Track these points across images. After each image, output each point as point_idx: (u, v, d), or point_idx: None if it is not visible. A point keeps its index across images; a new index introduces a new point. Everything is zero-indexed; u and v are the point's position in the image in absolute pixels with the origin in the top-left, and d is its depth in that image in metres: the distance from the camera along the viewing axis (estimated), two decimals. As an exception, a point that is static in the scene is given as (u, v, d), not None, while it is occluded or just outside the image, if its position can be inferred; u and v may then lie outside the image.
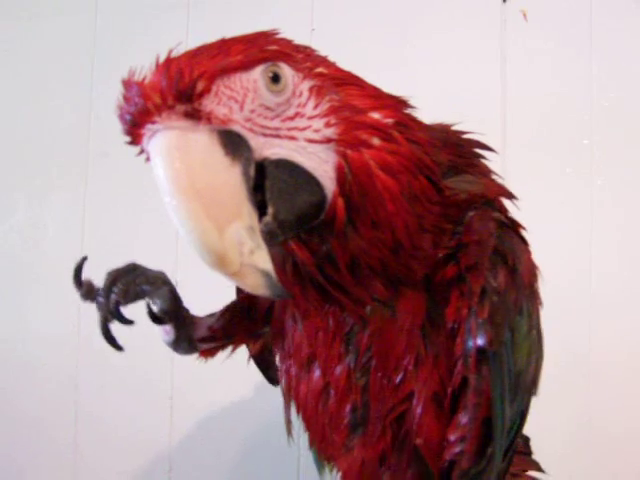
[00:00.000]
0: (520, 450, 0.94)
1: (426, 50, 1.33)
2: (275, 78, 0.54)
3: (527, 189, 1.23)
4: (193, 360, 0.86)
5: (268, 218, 0.53)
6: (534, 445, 1.02)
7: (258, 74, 0.54)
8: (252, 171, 0.53)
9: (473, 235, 0.62)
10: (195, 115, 0.52)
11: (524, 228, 0.70)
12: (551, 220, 1.27)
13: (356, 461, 0.72)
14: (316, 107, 0.55)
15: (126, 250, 1.35)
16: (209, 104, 0.52)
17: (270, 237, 0.53)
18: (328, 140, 0.55)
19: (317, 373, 0.70)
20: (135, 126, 0.53)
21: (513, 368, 0.64)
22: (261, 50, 0.55)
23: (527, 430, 1.11)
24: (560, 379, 1.21)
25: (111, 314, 0.70)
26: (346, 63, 1.26)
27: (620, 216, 1.26)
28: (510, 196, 0.70)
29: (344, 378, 0.68)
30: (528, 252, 0.68)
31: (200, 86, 0.52)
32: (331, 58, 1.21)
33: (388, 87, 1.29)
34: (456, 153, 0.65)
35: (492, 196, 0.66)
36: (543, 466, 0.98)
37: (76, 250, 1.41)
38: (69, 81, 1.46)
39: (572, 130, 1.28)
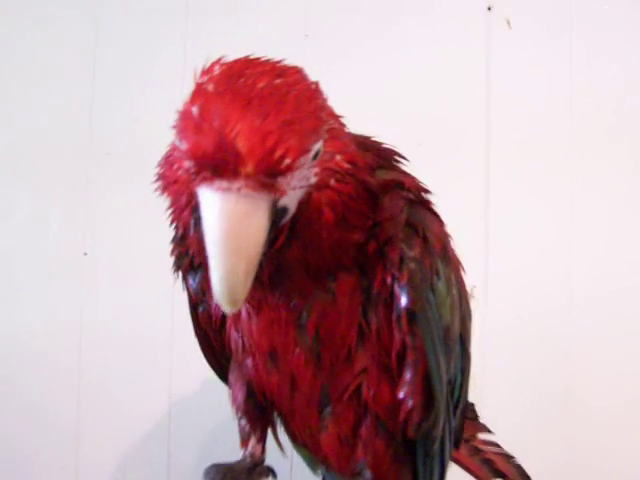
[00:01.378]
0: (467, 416, 1.01)
1: (413, 56, 1.38)
2: (317, 154, 0.59)
3: (511, 189, 1.33)
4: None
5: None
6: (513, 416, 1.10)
7: (313, 151, 0.58)
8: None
9: (386, 213, 0.68)
10: (268, 187, 0.55)
11: (433, 204, 0.77)
12: (532, 219, 1.32)
13: (332, 438, 0.79)
14: (314, 159, 0.59)
15: (127, 247, 1.41)
16: (284, 182, 0.56)
17: None
18: (310, 186, 0.60)
19: (280, 363, 0.76)
20: (208, 169, 0.54)
21: (440, 323, 0.72)
22: (321, 123, 0.59)
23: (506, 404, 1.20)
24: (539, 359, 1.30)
25: None
26: (338, 68, 1.33)
27: (599, 216, 1.31)
28: (423, 187, 0.76)
29: (302, 363, 0.75)
30: (438, 223, 0.75)
31: (286, 164, 0.54)
32: (323, 63, 1.27)
33: (376, 92, 1.36)
34: (378, 156, 0.72)
35: (402, 180, 0.73)
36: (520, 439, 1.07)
37: (78, 246, 1.45)
38: (71, 79, 1.48)
39: (553, 132, 1.33)
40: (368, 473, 0.78)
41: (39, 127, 1.49)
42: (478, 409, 1.09)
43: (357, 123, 1.28)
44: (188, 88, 0.59)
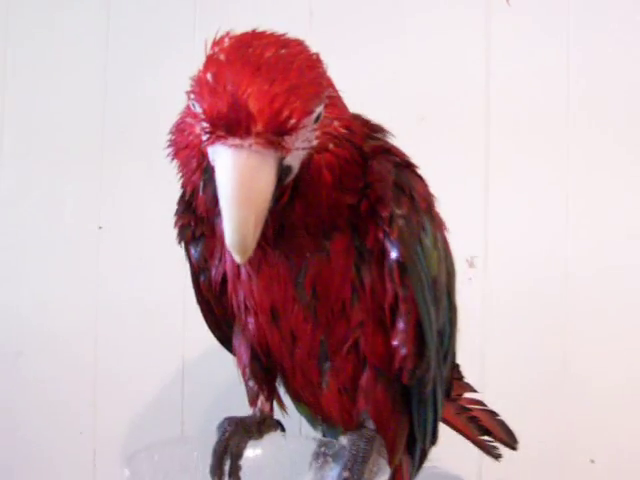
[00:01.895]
0: (454, 376, 1.08)
1: (416, 35, 1.42)
2: (318, 117, 0.65)
3: (509, 163, 1.37)
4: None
5: None
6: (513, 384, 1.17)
7: (315, 113, 0.64)
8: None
9: (375, 175, 0.74)
10: (275, 145, 0.61)
11: (418, 167, 0.83)
12: (530, 192, 1.36)
13: (333, 392, 0.85)
14: (315, 122, 0.66)
15: (141, 221, 1.47)
16: (290, 140, 0.62)
17: None
18: (312, 148, 0.66)
19: (281, 320, 0.82)
20: (222, 129, 0.61)
21: (429, 275, 0.78)
22: (321, 86, 0.66)
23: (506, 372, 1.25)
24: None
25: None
26: (343, 44, 1.37)
27: (595, 187, 1.35)
28: (406, 155, 0.82)
29: (301, 319, 0.81)
30: (423, 184, 0.81)
31: (291, 124, 0.61)
32: (328, 42, 1.31)
33: (380, 70, 1.39)
34: (367, 127, 0.79)
35: (389, 147, 0.80)
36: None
37: (93, 223, 1.52)
38: (85, 59, 1.54)
39: (551, 108, 1.36)
40: (371, 422, 0.83)
41: (55, 106, 1.54)
42: (480, 376, 1.15)
43: (362, 100, 1.33)
44: (198, 66, 0.65)
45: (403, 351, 0.79)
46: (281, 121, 0.60)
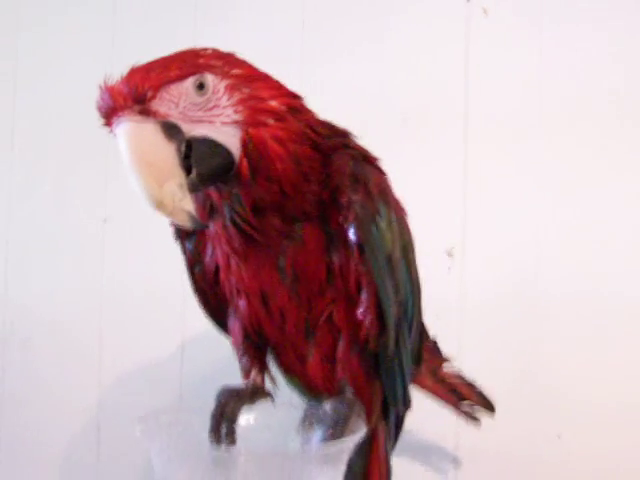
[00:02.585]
0: (432, 350, 1.22)
1: (401, 44, 1.52)
2: (200, 86, 0.78)
3: (486, 159, 1.47)
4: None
5: (192, 176, 0.78)
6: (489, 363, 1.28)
7: (189, 83, 0.78)
8: (183, 147, 0.78)
9: (335, 167, 0.86)
10: (146, 112, 0.76)
11: (376, 160, 0.94)
12: (506, 187, 1.46)
13: (317, 362, 0.96)
14: (228, 99, 0.79)
15: (144, 215, 1.55)
16: (155, 105, 0.76)
17: (194, 188, 0.78)
18: (236, 122, 0.79)
19: (269, 301, 0.93)
20: (107, 117, 0.78)
21: (383, 252, 0.88)
22: (192, 66, 0.79)
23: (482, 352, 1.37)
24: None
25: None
26: (332, 51, 1.46)
27: (567, 182, 1.44)
28: (366, 149, 0.93)
29: (286, 300, 0.92)
30: (378, 174, 0.92)
31: (149, 94, 0.76)
32: (319, 47, 1.42)
33: (366, 76, 1.49)
34: (331, 130, 0.90)
35: (347, 142, 0.90)
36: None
37: (98, 216, 1.62)
38: (91, 54, 1.64)
39: (525, 106, 1.46)
40: (349, 388, 0.94)
41: (62, 104, 1.65)
42: (457, 357, 1.25)
43: (351, 104, 1.44)
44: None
45: (367, 320, 0.90)
46: (139, 92, 0.75)
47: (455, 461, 1.46)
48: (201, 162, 0.78)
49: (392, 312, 0.91)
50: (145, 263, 1.61)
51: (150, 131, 0.76)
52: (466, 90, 1.49)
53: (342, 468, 0.85)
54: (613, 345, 1.41)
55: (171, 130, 0.77)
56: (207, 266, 1.00)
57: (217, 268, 0.99)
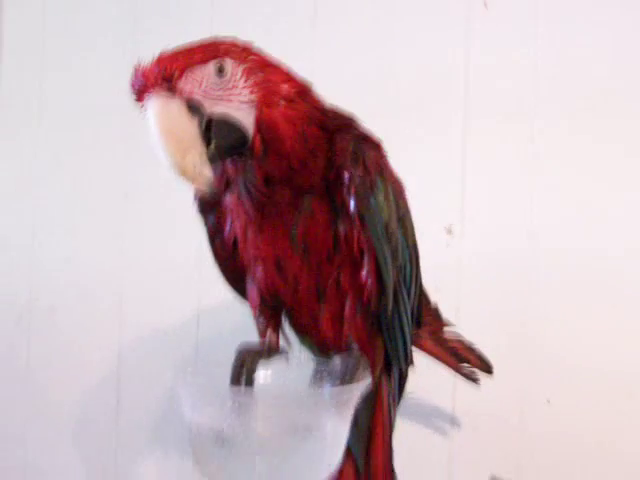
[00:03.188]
0: (433, 314, 1.33)
1: (406, 35, 1.61)
2: (220, 68, 0.88)
3: (484, 140, 1.56)
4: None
5: (211, 148, 0.88)
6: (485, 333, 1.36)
7: (211, 66, 0.88)
8: (204, 122, 0.88)
9: (338, 146, 0.96)
10: (173, 90, 0.86)
11: (376, 140, 1.02)
12: (502, 166, 1.55)
13: (327, 320, 1.06)
14: (246, 82, 0.89)
15: (164, 189, 1.58)
16: (181, 84, 0.87)
17: (212, 159, 0.89)
18: (251, 102, 0.89)
19: (284, 267, 1.03)
20: (139, 94, 0.88)
21: (381, 220, 0.98)
22: (213, 51, 0.89)
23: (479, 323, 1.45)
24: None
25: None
26: (343, 38, 1.55)
27: (559, 161, 1.53)
28: (367, 130, 1.02)
29: (298, 265, 1.02)
30: (376, 151, 1.01)
31: (176, 74, 0.86)
32: (331, 38, 1.51)
33: (374, 62, 1.58)
34: (335, 115, 0.99)
35: (350, 124, 1.00)
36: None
37: (120, 191, 1.73)
38: (113, 42, 1.75)
39: (520, 89, 1.55)
40: (355, 345, 1.04)
41: (87, 86, 1.74)
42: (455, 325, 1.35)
43: (356, 89, 1.53)
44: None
45: (368, 283, 1.01)
46: (167, 72, 0.86)
47: (453, 421, 1.56)
48: (219, 136, 0.88)
49: (390, 276, 1.01)
50: (162, 234, 1.71)
51: (176, 106, 0.86)
52: (466, 76, 1.58)
53: (349, 414, 0.95)
54: (602, 314, 1.49)
55: (194, 107, 0.87)
56: (227, 237, 1.10)
57: (235, 239, 1.08)
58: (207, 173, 0.87)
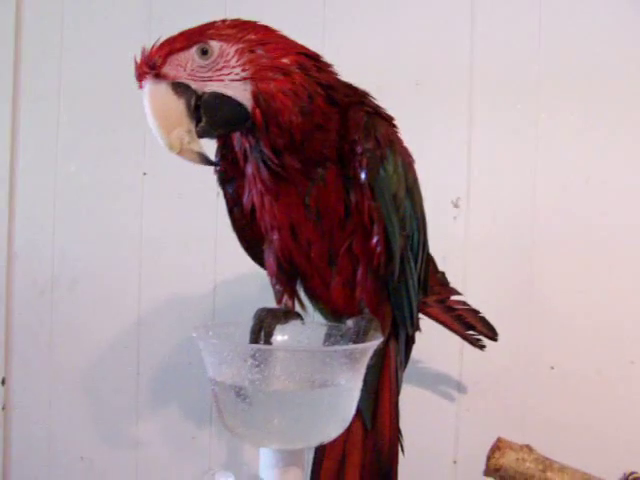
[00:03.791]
0: (440, 283, 1.38)
1: (413, 17, 1.67)
2: (204, 51, 0.94)
3: (489, 117, 1.62)
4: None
5: (202, 124, 0.95)
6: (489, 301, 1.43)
7: (193, 50, 0.94)
8: (193, 101, 0.94)
9: (351, 121, 1.00)
10: (159, 76, 0.93)
11: (390, 117, 1.08)
12: (506, 143, 1.61)
13: (339, 285, 1.12)
14: (237, 60, 0.94)
15: (180, 168, 1.69)
16: (165, 70, 0.93)
17: (204, 133, 0.96)
18: (244, 78, 0.94)
19: (298, 234, 1.08)
20: (138, 82, 0.95)
21: (390, 190, 1.03)
22: (198, 35, 0.95)
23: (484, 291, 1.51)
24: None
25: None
26: (354, 15, 1.60)
27: (558, 149, 1.59)
28: (379, 105, 1.07)
29: (312, 232, 1.07)
30: (387, 126, 1.06)
31: (159, 62, 0.93)
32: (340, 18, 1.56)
33: (381, 41, 1.63)
34: (350, 89, 1.04)
35: (362, 100, 1.05)
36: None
37: (138, 170, 1.80)
38: (130, 27, 1.81)
39: (523, 69, 1.60)
40: (367, 309, 1.10)
41: (104, 71, 1.80)
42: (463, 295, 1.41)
43: (368, 68, 1.59)
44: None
45: (378, 248, 1.06)
46: (152, 60, 0.93)
47: (459, 386, 1.63)
48: (210, 113, 0.95)
49: (398, 243, 1.06)
50: (179, 211, 1.77)
51: (162, 90, 0.93)
52: (471, 54, 1.63)
53: (362, 370, 1.01)
54: (605, 284, 1.56)
55: (180, 88, 0.94)
56: (245, 206, 1.16)
57: (253, 208, 1.14)
58: (196, 147, 0.95)
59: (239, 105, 0.95)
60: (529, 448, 1.28)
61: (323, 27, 1.68)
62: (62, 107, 1.85)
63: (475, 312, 1.40)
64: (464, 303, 1.40)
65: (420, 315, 1.26)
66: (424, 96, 1.65)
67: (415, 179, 1.13)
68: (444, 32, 1.65)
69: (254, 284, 1.58)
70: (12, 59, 1.86)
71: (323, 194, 1.04)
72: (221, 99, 0.94)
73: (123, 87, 1.71)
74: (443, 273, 1.40)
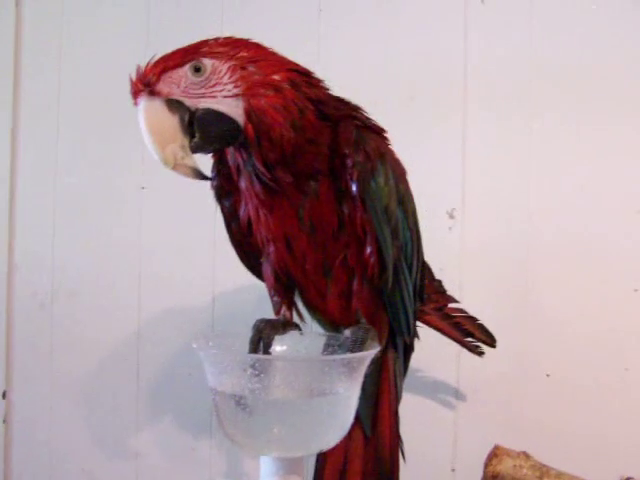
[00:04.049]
0: (437, 291, 1.40)
1: (407, 30, 1.70)
2: (197, 69, 0.96)
3: (483, 130, 1.64)
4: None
5: (196, 139, 0.97)
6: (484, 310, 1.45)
7: (187, 68, 0.96)
8: (187, 117, 0.96)
9: (342, 135, 1.02)
10: (154, 93, 0.95)
11: (381, 129, 1.10)
12: (499, 154, 1.64)
13: (334, 297, 1.13)
14: (230, 77, 0.96)
15: (178, 182, 1.69)
16: (159, 87, 0.95)
17: (198, 149, 0.98)
18: (236, 95, 0.96)
19: (293, 246, 1.10)
20: (134, 97, 0.97)
21: (381, 203, 1.04)
22: (191, 53, 0.97)
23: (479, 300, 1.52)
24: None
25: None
26: (349, 31, 1.62)
27: (554, 153, 1.62)
28: (370, 119, 1.09)
29: (306, 244, 1.09)
30: (377, 140, 1.07)
31: (153, 79, 0.95)
32: (335, 31, 1.59)
33: (375, 55, 1.65)
34: (341, 102, 1.06)
35: (353, 114, 1.06)
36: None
37: (137, 184, 1.82)
38: (128, 39, 1.82)
39: (517, 89, 1.64)
40: (363, 319, 1.12)
41: (103, 82, 1.81)
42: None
43: (363, 81, 1.61)
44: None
45: (372, 259, 1.08)
46: (147, 79, 0.96)
47: (457, 394, 1.65)
48: (203, 128, 0.96)
49: (390, 254, 1.08)
50: (177, 224, 1.79)
51: (156, 107, 0.95)
52: (465, 64, 1.66)
53: (360, 379, 1.02)
54: (598, 293, 1.58)
55: (174, 105, 0.96)
56: (241, 220, 1.17)
57: (250, 221, 1.15)
58: (190, 162, 0.97)
59: (231, 121, 0.97)
60: (526, 455, 1.30)
61: (318, 42, 1.70)
62: (61, 121, 1.87)
63: (473, 319, 1.42)
64: (462, 310, 1.41)
65: (418, 323, 1.28)
66: (418, 109, 1.67)
67: (407, 190, 1.15)
68: (437, 47, 1.67)
69: (252, 295, 1.59)
70: (12, 71, 1.89)
71: (316, 207, 1.05)
72: (214, 115, 0.96)
73: (122, 102, 1.75)
74: (440, 281, 1.42)
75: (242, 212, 1.16)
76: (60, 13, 1.88)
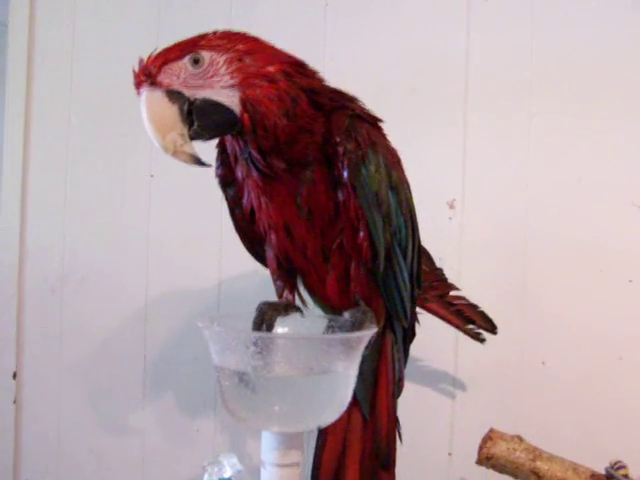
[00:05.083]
0: (439, 279, 1.45)
1: (411, 25, 1.73)
2: (196, 61, 1.00)
3: (482, 123, 1.68)
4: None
5: (194, 127, 1.01)
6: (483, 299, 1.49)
7: (186, 60, 1.00)
8: (186, 106, 1.00)
9: (334, 123, 1.05)
10: (155, 84, 0.99)
11: (375, 119, 1.13)
12: (499, 148, 1.67)
13: (333, 281, 1.17)
14: (227, 69, 1.00)
15: (186, 170, 1.74)
16: (160, 79, 0.99)
17: (197, 137, 1.02)
18: (232, 86, 1.00)
19: (292, 233, 1.14)
20: (136, 88, 1.01)
21: (371, 190, 1.07)
22: (190, 46, 1.01)
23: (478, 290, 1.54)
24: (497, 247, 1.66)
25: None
26: (354, 25, 1.66)
27: (552, 145, 1.65)
28: (366, 109, 1.13)
29: (305, 231, 1.13)
30: (369, 128, 1.09)
31: (154, 71, 0.99)
32: (341, 26, 1.62)
33: (379, 49, 1.69)
34: (338, 94, 1.09)
35: (347, 104, 1.10)
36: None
37: (146, 172, 1.86)
38: (138, 34, 1.88)
39: (516, 82, 1.67)
40: (362, 301, 1.15)
41: (113, 76, 1.84)
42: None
43: (368, 75, 1.64)
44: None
45: (365, 244, 1.11)
46: (148, 70, 1.00)
47: (455, 381, 1.69)
48: (202, 117, 1.01)
49: (381, 239, 1.11)
50: (185, 211, 1.84)
51: (156, 97, 1.00)
52: (466, 58, 1.70)
53: (358, 358, 1.07)
54: (594, 283, 1.62)
55: (174, 95, 1.00)
56: (245, 208, 1.21)
57: (252, 209, 1.19)
58: (189, 149, 1.01)
59: (228, 110, 1.01)
60: (519, 438, 1.33)
61: (324, 36, 1.74)
62: (72, 111, 1.92)
63: (474, 307, 1.46)
64: (463, 298, 1.46)
65: (419, 310, 1.32)
66: (420, 102, 1.71)
67: (401, 178, 1.17)
68: (440, 41, 1.71)
69: (257, 280, 1.63)
70: (25, 63, 1.93)
71: (313, 194, 1.09)
72: (211, 105, 1.01)
73: (131, 93, 1.82)
74: (441, 269, 1.46)
75: (245, 200, 1.20)
76: (73, 6, 1.93)
